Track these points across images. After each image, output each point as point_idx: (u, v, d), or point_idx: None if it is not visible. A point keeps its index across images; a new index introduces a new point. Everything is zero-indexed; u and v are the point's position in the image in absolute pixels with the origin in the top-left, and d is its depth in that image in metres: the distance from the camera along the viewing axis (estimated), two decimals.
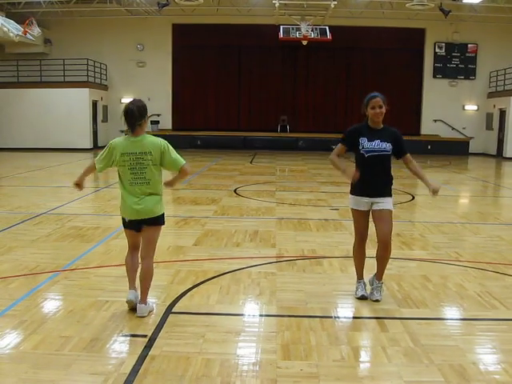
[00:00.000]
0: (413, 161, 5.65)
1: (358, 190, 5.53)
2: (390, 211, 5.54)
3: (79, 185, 5.36)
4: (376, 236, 5.61)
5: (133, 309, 5.09)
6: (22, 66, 27.58)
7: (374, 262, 5.70)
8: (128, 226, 5.08)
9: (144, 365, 4.08)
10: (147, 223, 4.99)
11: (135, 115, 4.86)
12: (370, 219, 5.61)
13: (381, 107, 5.39)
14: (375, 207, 5.50)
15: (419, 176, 5.71)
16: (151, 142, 4.90)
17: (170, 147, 4.97)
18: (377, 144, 5.39)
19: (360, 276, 5.77)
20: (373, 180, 5.47)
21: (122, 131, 5.16)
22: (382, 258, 5.62)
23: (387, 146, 5.41)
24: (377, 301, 5.53)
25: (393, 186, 5.65)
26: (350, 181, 5.50)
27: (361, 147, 5.42)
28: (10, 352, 4.27)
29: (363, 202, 5.51)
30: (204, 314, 5.17)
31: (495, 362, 4.25)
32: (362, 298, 5.60)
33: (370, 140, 5.40)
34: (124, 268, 5.31)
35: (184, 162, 5.00)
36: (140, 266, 5.17)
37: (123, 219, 5.10)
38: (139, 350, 4.32)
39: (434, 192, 5.58)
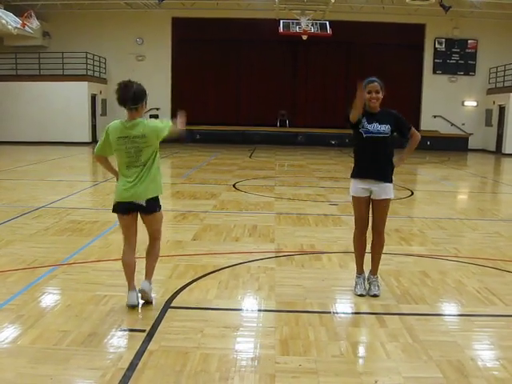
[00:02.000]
0: (415, 136, 5.70)
1: (358, 172, 5.54)
2: (389, 200, 5.56)
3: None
4: (372, 227, 5.65)
5: (134, 307, 5.08)
6: (20, 59, 27.49)
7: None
8: (119, 209, 5.00)
9: (142, 359, 4.07)
10: (142, 212, 4.99)
11: (127, 96, 4.82)
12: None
13: (377, 92, 5.37)
14: (375, 197, 5.50)
15: (410, 146, 5.77)
16: (146, 124, 4.89)
17: (155, 120, 5.06)
18: (375, 127, 5.39)
19: (360, 269, 5.75)
20: (372, 162, 5.46)
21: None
22: (377, 248, 5.65)
23: (386, 128, 5.41)
24: (375, 296, 5.52)
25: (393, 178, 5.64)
26: (360, 100, 5.25)
27: (361, 126, 5.39)
28: (7, 346, 4.26)
29: (362, 189, 5.49)
30: (203, 308, 5.16)
31: (494, 358, 4.24)
32: (361, 295, 5.59)
33: (369, 122, 5.40)
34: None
35: (171, 123, 5.03)
36: (148, 246, 5.21)
37: (114, 205, 5.03)
38: (137, 345, 4.31)
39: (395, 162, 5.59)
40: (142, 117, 4.98)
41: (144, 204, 4.93)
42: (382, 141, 5.41)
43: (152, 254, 5.23)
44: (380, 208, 5.54)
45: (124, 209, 4.98)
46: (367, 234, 5.71)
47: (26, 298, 5.33)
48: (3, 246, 7.25)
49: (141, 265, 5.29)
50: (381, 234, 5.63)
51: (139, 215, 5.08)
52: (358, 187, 5.53)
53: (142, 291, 5.11)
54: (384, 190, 5.49)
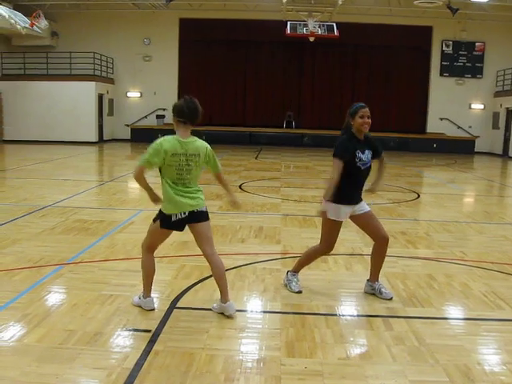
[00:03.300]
0: (384, 161, 5.71)
1: (346, 198, 5.42)
2: (371, 211, 5.62)
3: (157, 200, 5.02)
4: (373, 235, 5.61)
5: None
6: (28, 59, 27.59)
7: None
8: (177, 224, 4.89)
9: (148, 360, 4.07)
10: (202, 219, 4.95)
11: (200, 110, 4.87)
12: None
13: (369, 117, 5.35)
14: (358, 212, 5.51)
15: (381, 173, 5.75)
16: (200, 144, 4.87)
17: (213, 151, 5.00)
18: (366, 156, 5.38)
19: (298, 270, 5.85)
20: (358, 189, 5.52)
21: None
22: (384, 253, 5.64)
23: (371, 154, 5.45)
24: (391, 298, 5.53)
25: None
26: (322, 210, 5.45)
27: (358, 160, 5.32)
28: (13, 345, 4.27)
29: (344, 213, 5.45)
30: (208, 309, 5.14)
31: (500, 363, 4.22)
32: (299, 292, 5.68)
33: (362, 152, 5.36)
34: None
35: (221, 168, 5.09)
36: (211, 263, 5.06)
37: (169, 220, 4.85)
38: (143, 345, 4.31)
39: (369, 191, 5.62)
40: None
41: (205, 209, 4.96)
42: (370, 167, 5.46)
43: (222, 267, 5.06)
44: (371, 217, 5.56)
45: (182, 225, 4.93)
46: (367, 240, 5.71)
47: (32, 296, 5.34)
48: (10, 245, 7.27)
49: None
50: (388, 238, 5.59)
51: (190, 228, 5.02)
52: (342, 212, 5.44)
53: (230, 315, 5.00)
54: (364, 205, 5.56)
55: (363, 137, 5.42)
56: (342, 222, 5.52)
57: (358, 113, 5.33)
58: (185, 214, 4.83)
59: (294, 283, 5.77)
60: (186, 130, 4.83)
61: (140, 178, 4.80)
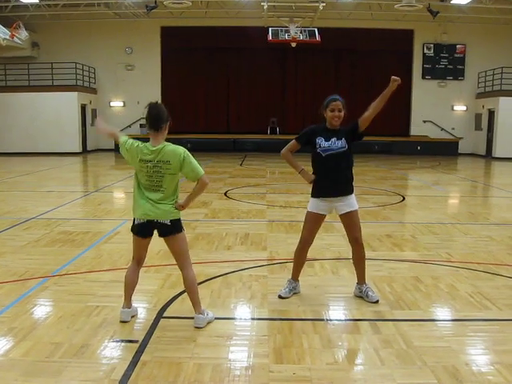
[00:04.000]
0: (365, 113, 5.51)
1: (319, 191, 5.51)
2: (357, 211, 5.57)
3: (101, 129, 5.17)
4: (348, 238, 5.66)
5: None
6: (9, 70, 27.41)
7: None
8: (137, 229, 4.84)
9: (135, 370, 4.04)
10: (163, 233, 4.82)
11: (162, 116, 4.73)
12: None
13: (340, 111, 5.39)
14: (341, 211, 5.51)
15: (377, 103, 5.57)
16: (171, 150, 4.71)
17: (190, 156, 4.78)
18: (333, 142, 5.39)
19: (295, 276, 5.83)
20: (333, 180, 5.47)
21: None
22: (359, 260, 5.69)
23: (343, 142, 5.41)
24: (377, 301, 5.53)
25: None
26: (308, 182, 5.57)
27: (318, 146, 5.41)
28: None
29: (323, 206, 5.49)
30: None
31: (488, 363, 4.24)
32: (280, 297, 5.66)
33: (326, 140, 5.41)
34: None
35: (203, 172, 4.81)
36: (183, 278, 4.97)
37: (133, 223, 4.86)
38: (130, 356, 4.28)
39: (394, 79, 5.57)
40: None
41: (169, 223, 4.77)
42: (341, 156, 5.42)
43: (190, 281, 4.95)
44: (350, 220, 5.53)
45: (144, 232, 4.83)
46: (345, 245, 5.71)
47: (17, 310, 5.28)
48: None
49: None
50: (361, 244, 5.61)
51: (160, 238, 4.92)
52: (319, 204, 5.50)
53: (124, 322, 4.97)
54: (348, 203, 5.49)
55: (338, 129, 5.45)
56: (320, 216, 5.53)
57: (328, 106, 5.41)
58: (143, 220, 4.77)
59: (284, 288, 5.76)
60: (153, 136, 4.74)
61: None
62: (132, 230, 4.90)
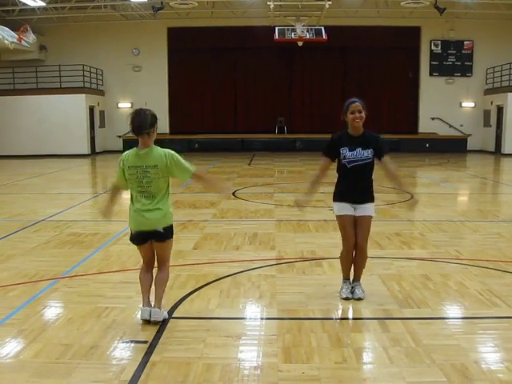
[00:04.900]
0: (390, 164, 5.57)
1: (341, 197, 5.54)
2: (371, 217, 5.59)
3: (107, 214, 5.27)
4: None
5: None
6: (17, 73, 27.56)
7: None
8: (135, 239, 4.96)
9: (145, 371, 4.06)
10: (155, 238, 4.89)
11: (144, 122, 4.72)
12: None
13: (360, 112, 5.39)
14: (357, 213, 5.53)
15: (397, 181, 5.75)
16: (158, 154, 4.76)
17: (177, 157, 4.82)
18: (358, 153, 5.39)
19: (346, 275, 5.77)
20: (355, 188, 5.50)
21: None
22: (360, 262, 5.69)
23: (369, 153, 5.40)
24: (359, 299, 5.55)
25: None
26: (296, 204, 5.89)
27: (342, 157, 5.42)
28: (9, 361, 4.25)
29: (347, 207, 5.50)
30: (204, 318, 5.15)
31: (498, 361, 4.23)
32: (347, 299, 5.60)
33: (351, 150, 5.39)
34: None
35: (193, 169, 4.90)
36: (157, 272, 5.07)
37: (131, 233, 4.99)
38: (140, 357, 4.30)
39: (411, 206, 5.63)
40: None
41: (162, 230, 4.85)
42: (365, 166, 5.43)
43: (160, 277, 5.05)
44: (362, 224, 5.54)
45: (141, 239, 4.92)
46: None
47: (27, 312, 5.32)
48: (4, 261, 7.25)
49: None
50: (363, 250, 5.62)
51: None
52: (343, 206, 5.52)
53: (144, 320, 4.98)
54: (366, 208, 5.53)
55: (361, 134, 5.45)
56: (349, 217, 5.52)
57: (348, 109, 5.44)
58: (138, 230, 4.90)
59: (341, 289, 5.73)
60: (141, 140, 4.78)
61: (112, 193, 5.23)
62: (131, 240, 5.03)
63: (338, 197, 5.57)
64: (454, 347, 4.43)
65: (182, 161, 4.85)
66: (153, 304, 4.97)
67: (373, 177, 5.59)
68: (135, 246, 5.07)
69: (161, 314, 4.98)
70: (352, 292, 5.64)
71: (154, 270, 5.13)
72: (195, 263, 7.07)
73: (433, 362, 4.15)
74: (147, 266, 5.09)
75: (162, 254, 5.03)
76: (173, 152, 4.84)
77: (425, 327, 4.89)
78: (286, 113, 31.10)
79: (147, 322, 4.95)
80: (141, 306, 5.06)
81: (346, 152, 5.39)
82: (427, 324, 4.99)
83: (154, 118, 4.80)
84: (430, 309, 5.37)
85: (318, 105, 30.60)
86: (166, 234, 4.90)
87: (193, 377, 3.98)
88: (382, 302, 5.53)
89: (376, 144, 5.46)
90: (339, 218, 5.58)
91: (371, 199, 5.57)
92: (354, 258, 5.69)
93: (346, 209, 5.51)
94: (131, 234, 4.99)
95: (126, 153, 4.91)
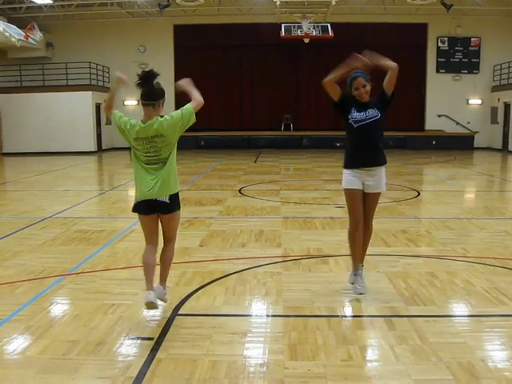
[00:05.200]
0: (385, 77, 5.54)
1: (351, 161, 5.55)
2: (380, 193, 5.61)
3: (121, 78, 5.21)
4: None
5: (151, 306, 4.85)
6: (24, 71, 27.68)
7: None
8: (139, 208, 4.88)
9: (151, 368, 4.07)
10: (161, 210, 4.86)
11: (153, 92, 4.74)
12: None
13: (364, 86, 5.41)
14: (367, 189, 5.52)
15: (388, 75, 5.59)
16: (160, 123, 4.72)
17: (177, 114, 4.83)
18: (365, 114, 5.41)
19: (356, 267, 5.72)
20: (364, 149, 5.48)
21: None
22: (367, 239, 5.73)
23: (374, 111, 5.42)
24: (361, 294, 5.53)
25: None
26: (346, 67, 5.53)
27: (350, 117, 5.44)
28: (16, 357, 4.27)
29: (356, 180, 5.49)
30: (210, 315, 5.15)
31: (504, 359, 4.21)
32: (361, 294, 5.58)
33: (358, 111, 5.43)
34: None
35: (192, 106, 4.96)
36: (162, 250, 5.08)
37: (136, 204, 4.90)
38: (146, 353, 4.30)
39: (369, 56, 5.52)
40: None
41: (168, 201, 4.82)
42: (373, 126, 5.41)
43: (167, 257, 5.10)
44: (371, 200, 5.59)
45: (146, 208, 4.87)
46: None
47: (34, 308, 5.33)
48: (11, 257, 7.27)
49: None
50: (370, 225, 5.69)
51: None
52: (352, 179, 5.52)
53: (150, 303, 4.83)
54: (377, 182, 5.51)
55: (370, 100, 5.47)
56: (359, 191, 5.52)
57: (352, 85, 5.47)
58: (143, 199, 4.86)
59: (356, 285, 5.67)
60: (146, 112, 4.76)
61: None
62: (132, 210, 4.97)
63: (348, 162, 5.56)
64: (461, 345, 4.42)
65: (182, 110, 4.89)
66: (156, 285, 4.95)
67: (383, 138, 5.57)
68: (141, 243, 5.07)
69: (165, 293, 5.05)
70: (355, 287, 5.62)
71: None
72: (201, 260, 7.07)
73: (439, 360, 4.14)
74: (151, 246, 5.01)
75: (169, 228, 4.98)
76: (173, 113, 4.84)
77: (431, 325, 4.88)
78: (292, 110, 31.08)
79: (151, 306, 4.80)
80: (145, 291, 4.91)
81: (354, 112, 5.42)
82: (433, 322, 4.97)
83: (162, 92, 4.82)
84: (437, 306, 5.36)
85: (325, 102, 30.37)
86: (173, 204, 4.85)
87: (199, 374, 3.98)
88: (388, 299, 5.52)
89: (378, 99, 5.48)
90: (347, 191, 5.58)
91: (383, 161, 5.55)
92: (363, 236, 5.67)
93: (355, 182, 5.49)
94: (134, 205, 4.93)
95: (123, 118, 4.86)
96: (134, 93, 4.89)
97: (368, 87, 5.40)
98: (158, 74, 4.84)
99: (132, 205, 5.00)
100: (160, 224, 5.03)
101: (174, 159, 4.92)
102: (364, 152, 5.48)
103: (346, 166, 5.60)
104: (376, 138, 5.50)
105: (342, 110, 5.53)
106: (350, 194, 5.58)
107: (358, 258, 5.72)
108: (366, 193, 5.56)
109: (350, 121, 5.44)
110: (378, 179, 5.53)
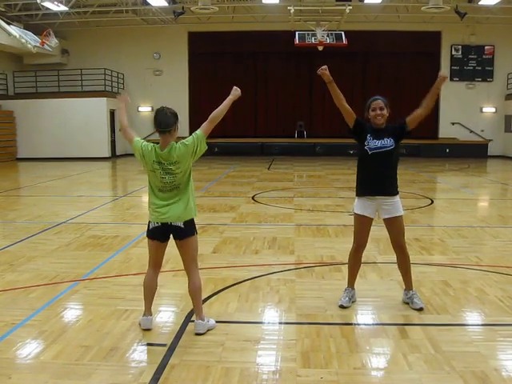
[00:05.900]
0: (416, 110, 5.42)
1: (363, 189, 5.51)
2: (401, 217, 5.51)
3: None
4: (391, 242, 5.62)
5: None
6: (40, 77, 27.93)
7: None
8: (152, 233, 4.83)
9: (164, 374, 4.08)
10: (175, 235, 4.81)
11: (167, 120, 4.74)
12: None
13: (382, 109, 5.38)
14: (384, 215, 5.47)
15: (427, 101, 5.42)
16: (176, 150, 4.73)
17: (189, 142, 4.79)
18: (380, 142, 5.37)
19: (351, 283, 5.73)
20: (376, 177, 5.43)
21: (143, 139, 5.06)
22: (402, 263, 5.64)
23: (389, 141, 5.37)
24: (421, 309, 5.43)
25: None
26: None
27: (366, 143, 5.40)
28: (30, 362, 4.30)
29: (369, 207, 5.44)
30: (223, 322, 5.15)
31: None
32: (341, 307, 5.52)
33: (375, 138, 5.39)
34: (143, 277, 5.25)
35: (201, 131, 4.95)
36: (188, 283, 4.93)
37: (148, 226, 4.88)
38: (159, 359, 4.32)
39: (441, 76, 5.41)
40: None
41: (182, 225, 4.76)
42: (386, 154, 5.37)
43: (196, 287, 4.90)
44: (393, 225, 5.50)
45: (162, 236, 4.81)
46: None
47: (48, 313, 5.37)
48: (25, 262, 7.33)
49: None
50: (404, 249, 5.57)
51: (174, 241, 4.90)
52: (364, 204, 5.48)
53: (146, 329, 4.93)
54: (393, 207, 5.44)
55: (386, 126, 5.44)
56: (369, 219, 5.48)
57: (370, 107, 5.47)
58: (157, 223, 4.78)
59: (341, 298, 5.65)
60: (162, 139, 4.77)
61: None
62: (147, 235, 4.90)
63: (360, 189, 5.53)
64: (474, 354, 4.40)
65: (193, 137, 4.85)
66: (196, 321, 4.89)
67: (397, 170, 5.52)
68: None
69: (205, 325, 4.88)
70: (412, 302, 5.53)
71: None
72: (214, 267, 7.09)
73: (452, 369, 4.12)
74: (154, 270, 4.99)
75: (187, 255, 4.88)
76: (186, 140, 4.82)
77: (444, 334, 4.85)
78: (305, 117, 31.09)
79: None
80: (141, 317, 5.00)
81: (369, 139, 5.39)
82: (447, 330, 4.95)
83: (175, 117, 4.82)
84: (450, 315, 5.34)
85: (338, 109, 30.33)
86: (187, 229, 4.79)
87: (211, 381, 3.99)
88: (402, 307, 5.51)
89: (395, 129, 5.43)
90: (357, 217, 5.54)
91: (395, 192, 5.48)
92: (398, 262, 5.66)
93: (366, 210, 5.45)
94: (149, 230, 4.85)
95: (145, 144, 4.88)
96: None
97: (385, 112, 5.39)
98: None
99: (147, 228, 4.88)
100: (178, 253, 4.95)
101: (191, 184, 4.87)
102: (377, 180, 5.43)
103: (358, 194, 5.54)
104: (389, 166, 5.46)
105: (356, 137, 5.51)
106: (359, 219, 5.54)
107: (353, 276, 5.73)
108: (385, 220, 5.50)
109: (366, 147, 5.40)
110: (392, 205, 5.46)
